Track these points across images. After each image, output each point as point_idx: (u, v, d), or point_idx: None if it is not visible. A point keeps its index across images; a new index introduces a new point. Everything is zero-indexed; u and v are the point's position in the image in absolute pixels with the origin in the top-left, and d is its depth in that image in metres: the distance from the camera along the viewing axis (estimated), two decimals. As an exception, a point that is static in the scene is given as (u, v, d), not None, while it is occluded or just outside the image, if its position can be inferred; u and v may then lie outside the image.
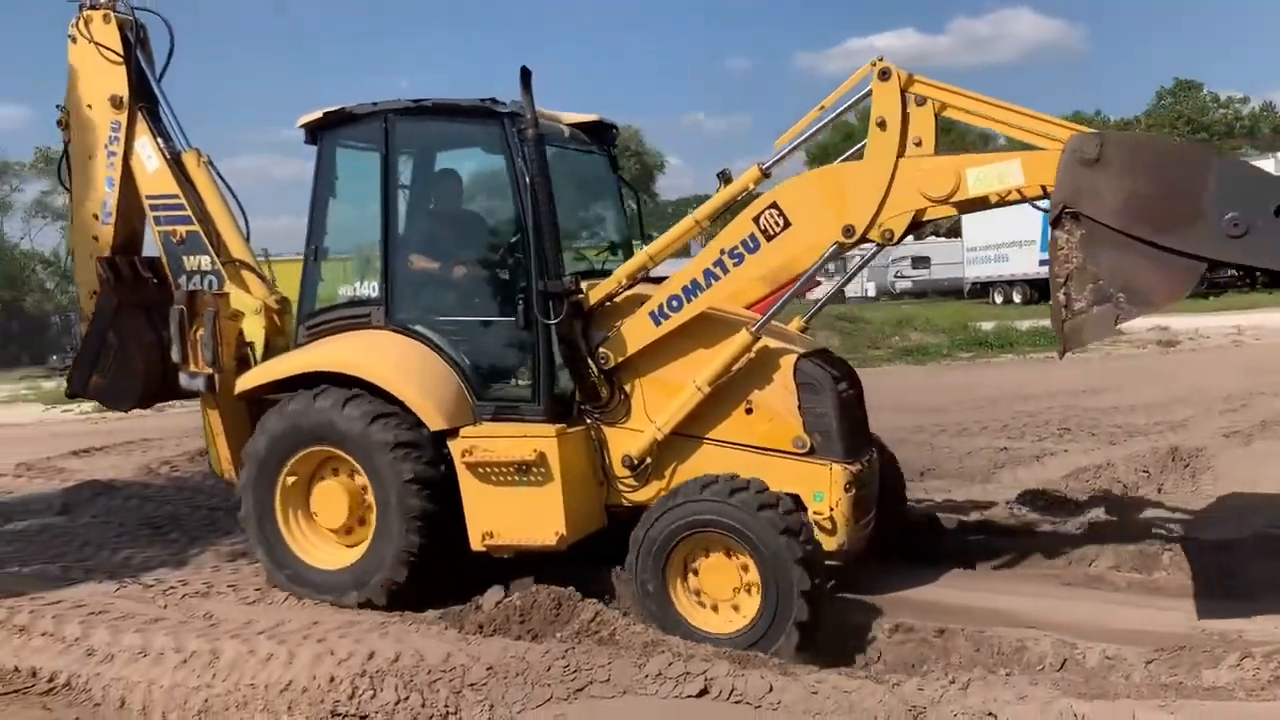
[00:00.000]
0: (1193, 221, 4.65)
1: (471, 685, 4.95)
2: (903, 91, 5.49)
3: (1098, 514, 7.72)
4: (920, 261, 50.07)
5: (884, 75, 5.48)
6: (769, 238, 5.70)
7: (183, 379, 7.12)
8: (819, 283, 7.60)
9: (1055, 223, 4.94)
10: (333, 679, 5.15)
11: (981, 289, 43.51)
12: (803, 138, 5.96)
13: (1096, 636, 5.37)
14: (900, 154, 5.48)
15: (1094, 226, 4.83)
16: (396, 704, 4.88)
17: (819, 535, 5.66)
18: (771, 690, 4.64)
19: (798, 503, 5.70)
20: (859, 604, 6.12)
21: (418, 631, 5.75)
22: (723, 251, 5.83)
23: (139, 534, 8.61)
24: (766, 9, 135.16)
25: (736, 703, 4.65)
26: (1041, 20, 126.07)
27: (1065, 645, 5.22)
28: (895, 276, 50.68)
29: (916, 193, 5.46)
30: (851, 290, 49.48)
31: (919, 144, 5.49)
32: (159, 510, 9.61)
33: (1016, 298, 40.24)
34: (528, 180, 6.05)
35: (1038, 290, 38.64)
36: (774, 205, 5.69)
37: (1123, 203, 4.78)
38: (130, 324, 7.67)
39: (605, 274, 6.51)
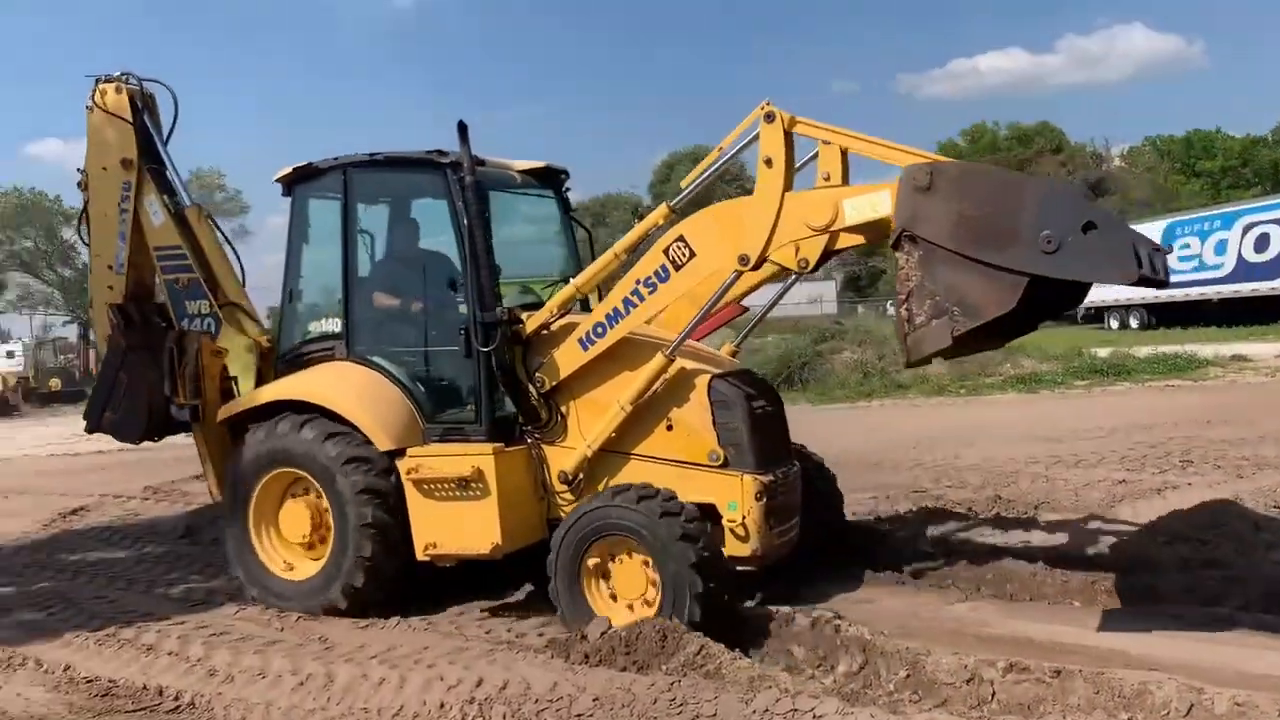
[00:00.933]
0: (1013, 240, 5.01)
1: (578, 716, 4.98)
2: (787, 132, 5.97)
3: (1224, 551, 7.37)
4: (1031, 286, 48.61)
5: (769, 118, 5.97)
6: (677, 267, 6.22)
7: (173, 410, 7.98)
8: (746, 308, 8.08)
9: (895, 245, 5.33)
10: (443, 705, 5.25)
11: (1095, 314, 42.05)
12: (704, 178, 6.45)
13: (1225, 681, 5.11)
14: (787, 188, 5.95)
15: (929, 247, 5.22)
16: (505, 731, 4.93)
17: (733, 541, 6.22)
18: (884, 729, 4.56)
19: (713, 512, 6.22)
20: (973, 641, 5.97)
21: (525, 660, 5.81)
22: (638, 281, 6.35)
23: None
24: (868, 32, 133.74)
25: (846, 741, 4.58)
26: (1154, 36, 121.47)
27: (1191, 690, 4.98)
28: (1004, 302, 49.21)
29: (801, 223, 5.87)
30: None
31: (828, 178, 6.00)
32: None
33: (1134, 322, 38.88)
34: (465, 222, 6.68)
35: (1155, 315, 37.32)
36: (680, 238, 6.21)
37: (952, 225, 5.15)
38: (138, 364, 8.36)
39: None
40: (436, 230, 7.41)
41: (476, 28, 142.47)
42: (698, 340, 7.06)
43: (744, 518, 6.25)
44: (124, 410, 8.48)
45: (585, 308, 7.35)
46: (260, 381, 7.79)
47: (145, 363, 8.30)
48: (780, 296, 7.97)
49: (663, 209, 6.44)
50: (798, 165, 6.16)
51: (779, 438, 6.81)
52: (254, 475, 7.22)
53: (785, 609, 6.10)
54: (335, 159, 7.36)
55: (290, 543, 7.25)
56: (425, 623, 6.70)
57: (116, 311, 8.47)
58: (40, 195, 57.11)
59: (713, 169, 6.42)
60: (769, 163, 5.96)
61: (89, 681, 5.92)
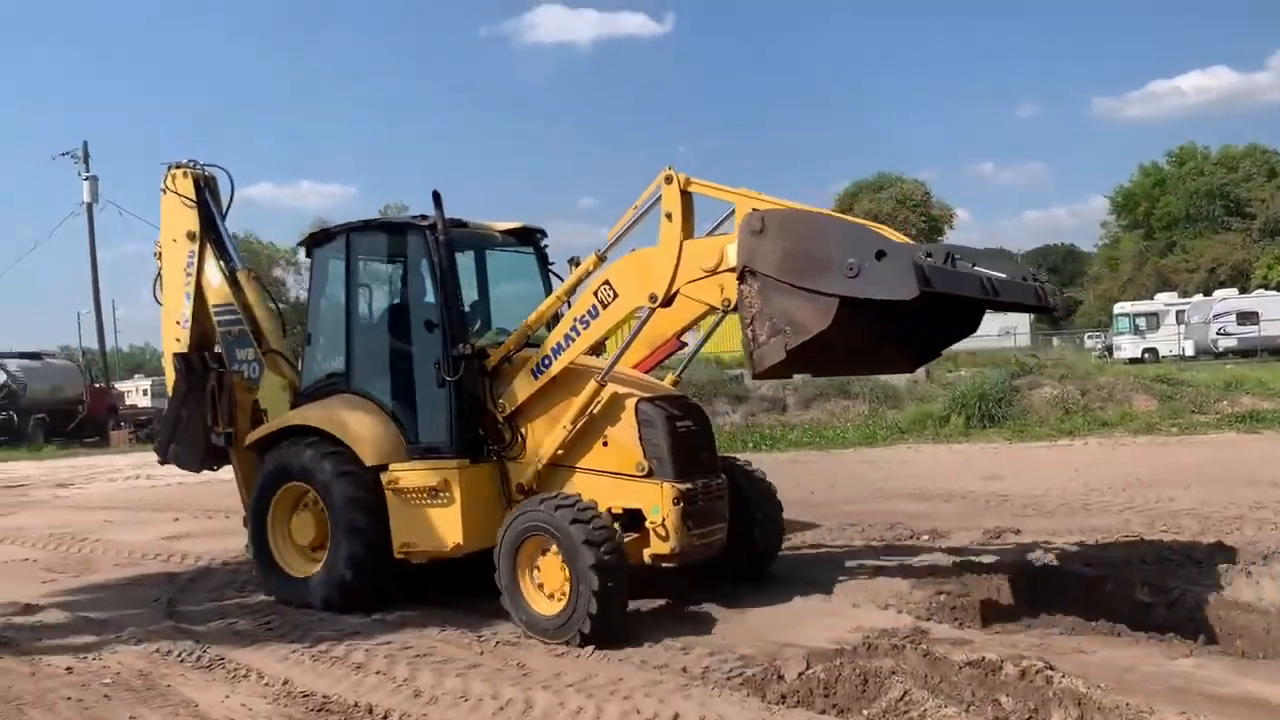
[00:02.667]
0: (826, 269, 6.02)
1: (780, 757, 4.89)
2: (684, 191, 7.07)
3: None
4: (1247, 317, 45.48)
5: (669, 180, 7.10)
6: (604, 306, 7.33)
7: (213, 438, 9.39)
8: (684, 344, 9.00)
9: (740, 279, 6.44)
10: (639, 737, 5.24)
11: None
12: (624, 230, 7.46)
13: None
14: (686, 237, 7.03)
15: (765, 279, 6.31)
16: (703, 770, 4.88)
17: (656, 541, 7.30)
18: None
19: (640, 515, 7.34)
20: (1200, 700, 5.52)
21: (720, 696, 5.76)
22: (575, 320, 7.51)
23: (462, 582, 9.11)
24: (1060, 54, 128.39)
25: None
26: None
27: None
28: (1218, 334, 46.19)
29: (696, 266, 6.91)
30: (1166, 348, 45.71)
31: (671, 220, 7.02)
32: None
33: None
34: (438, 274, 7.99)
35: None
36: (606, 281, 7.34)
37: (779, 260, 6.24)
38: (196, 404, 9.53)
39: (535, 345, 8.09)
40: (418, 282, 8.55)
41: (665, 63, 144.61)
42: (645, 371, 8.60)
43: (664, 520, 7.25)
44: (186, 443, 9.67)
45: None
46: None
47: (202, 402, 9.48)
48: (709, 334, 9.07)
49: (593, 257, 7.64)
50: (720, 222, 7.23)
51: (701, 452, 7.74)
52: (270, 489, 8.61)
53: (992, 657, 5.83)
54: (341, 225, 8.84)
55: (300, 546, 8.60)
56: (620, 654, 6.72)
57: (180, 359, 9.69)
58: (253, 237, 60.79)
59: (630, 222, 7.42)
60: (669, 216, 7.07)
61: (305, 696, 6.20)
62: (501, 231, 9.21)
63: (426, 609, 8.07)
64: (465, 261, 9.03)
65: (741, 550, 8.18)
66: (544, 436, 7.79)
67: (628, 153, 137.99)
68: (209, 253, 9.75)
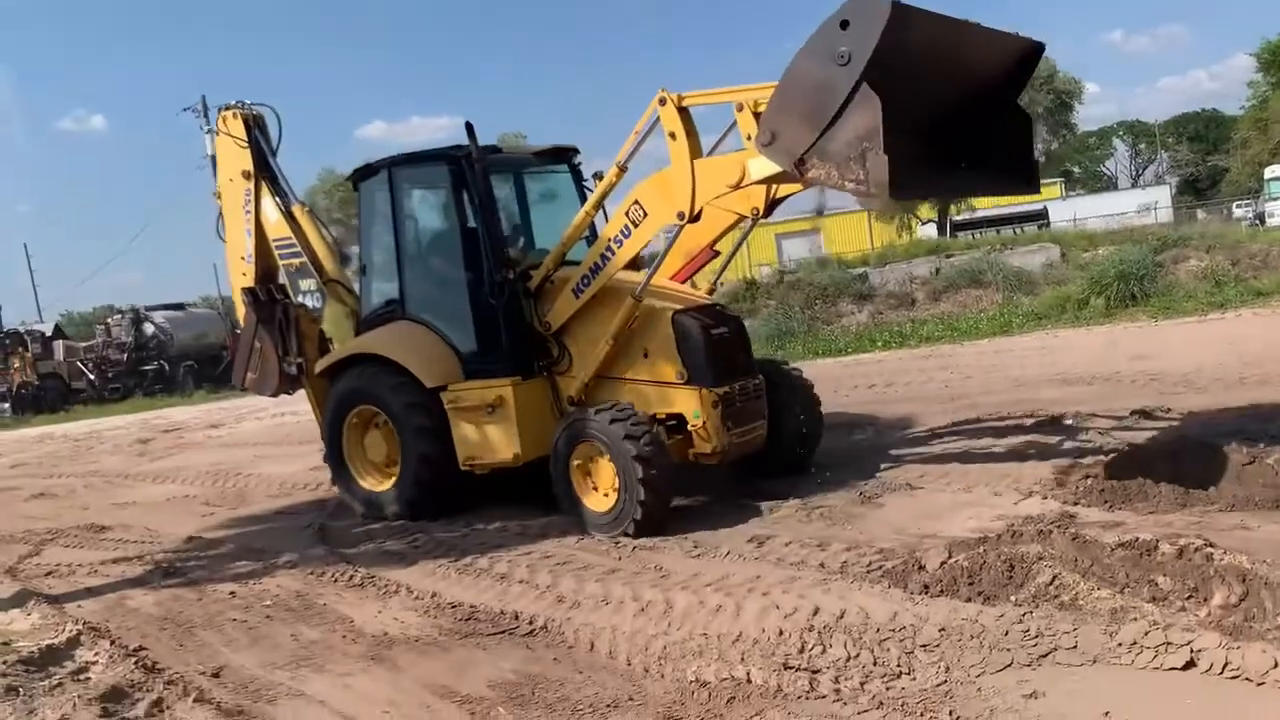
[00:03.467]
0: (829, 86, 5.83)
1: (924, 646, 4.80)
2: (679, 108, 7.22)
3: None
4: None
5: (662, 102, 7.25)
6: (636, 225, 7.61)
7: (285, 367, 9.90)
8: (718, 252, 9.41)
9: (803, 172, 6.19)
10: (781, 632, 5.22)
11: None
12: (631, 151, 7.64)
13: None
14: (695, 154, 7.21)
15: (812, 148, 6.03)
16: (847, 660, 4.82)
17: (699, 441, 7.87)
18: (1277, 665, 4.05)
19: (683, 420, 7.87)
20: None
21: (860, 589, 5.68)
22: (610, 239, 7.81)
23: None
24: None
25: (1232, 678, 4.12)
26: None
27: None
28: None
29: (720, 183, 7.10)
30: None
31: (750, 138, 6.77)
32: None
33: None
34: (477, 201, 8.42)
35: None
36: (636, 201, 7.58)
37: (801, 127, 6.09)
38: (268, 334, 10.00)
39: (575, 263, 8.36)
40: (460, 210, 8.83)
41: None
42: (681, 281, 9.08)
43: (705, 423, 7.78)
44: (261, 371, 10.15)
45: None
46: None
47: (273, 333, 9.98)
48: (741, 242, 9.54)
49: (614, 169, 7.83)
50: (725, 132, 7.41)
51: (737, 356, 8.21)
52: (343, 412, 9.23)
53: (1147, 537, 5.57)
54: (383, 159, 9.20)
55: (374, 462, 9.19)
56: (756, 553, 6.70)
57: (248, 294, 10.15)
58: None
59: (635, 146, 7.63)
60: (673, 136, 7.24)
61: (453, 607, 6.40)
62: (535, 154, 9.73)
63: (559, 521, 8.14)
64: (504, 185, 9.43)
65: (782, 443, 8.65)
66: (588, 351, 8.22)
67: (733, 47, 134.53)
68: (264, 190, 10.12)
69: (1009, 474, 8.04)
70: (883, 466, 8.78)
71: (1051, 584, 5.18)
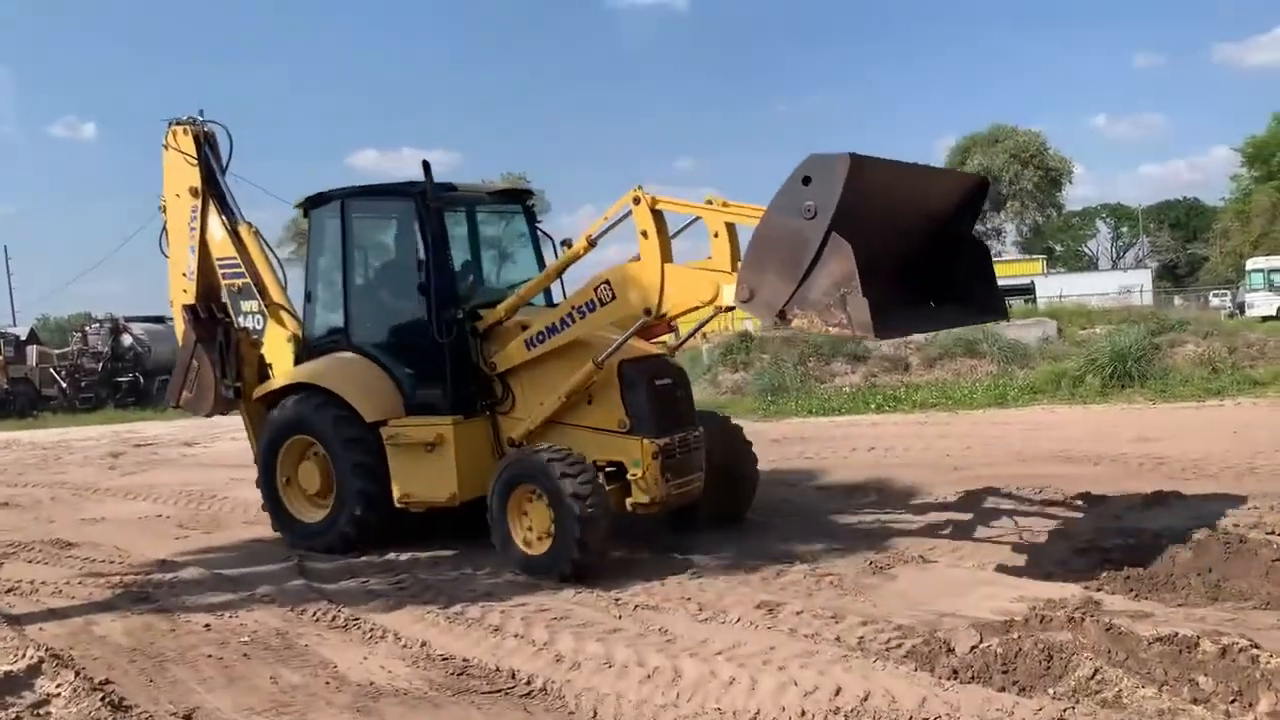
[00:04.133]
0: (799, 238, 6.03)
1: (962, 740, 4.47)
2: (651, 210, 7.46)
3: None
4: None
5: (636, 201, 7.50)
6: (603, 304, 7.76)
7: (221, 390, 9.70)
8: (674, 327, 9.78)
9: (785, 321, 6.29)
10: (803, 713, 4.88)
11: None
12: (603, 230, 7.88)
13: None
14: (665, 256, 7.48)
15: (793, 298, 6.13)
16: (877, 751, 4.49)
17: (637, 491, 7.77)
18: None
19: (622, 468, 7.83)
20: None
21: (883, 669, 5.35)
22: (574, 308, 7.95)
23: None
24: (1173, 2, 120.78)
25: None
26: None
27: None
28: None
29: (692, 297, 7.42)
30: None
31: (717, 235, 7.34)
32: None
33: None
34: (429, 238, 8.42)
35: None
36: (607, 282, 7.72)
37: (778, 279, 6.20)
38: (206, 353, 9.81)
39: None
40: (410, 246, 8.88)
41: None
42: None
43: (644, 473, 7.72)
44: (198, 390, 9.94)
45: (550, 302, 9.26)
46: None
47: (211, 352, 9.82)
48: (706, 321, 9.64)
49: (583, 241, 8.03)
50: (684, 226, 7.86)
51: (679, 408, 8.25)
52: (279, 440, 9.09)
53: (1186, 633, 5.28)
54: (338, 189, 9.23)
55: (308, 492, 9.05)
56: (768, 621, 6.35)
57: (188, 310, 9.98)
58: None
59: (602, 231, 7.91)
60: (644, 234, 7.47)
61: (444, 659, 6.01)
62: (490, 193, 10.01)
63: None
64: (457, 223, 9.50)
65: (720, 495, 8.74)
66: (534, 396, 8.33)
67: (726, 109, 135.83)
68: (211, 208, 10.04)
69: (1024, 552, 7.79)
70: (891, 535, 8.49)
71: (1093, 678, 4.87)
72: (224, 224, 10.02)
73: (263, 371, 9.81)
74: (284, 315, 9.80)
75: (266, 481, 9.24)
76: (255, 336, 9.94)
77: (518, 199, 10.10)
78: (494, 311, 8.51)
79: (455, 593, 7.41)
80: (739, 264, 6.64)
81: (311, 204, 9.51)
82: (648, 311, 7.51)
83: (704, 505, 8.56)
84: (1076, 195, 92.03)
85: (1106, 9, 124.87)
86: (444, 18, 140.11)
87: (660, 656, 5.79)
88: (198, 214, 10.03)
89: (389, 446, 8.55)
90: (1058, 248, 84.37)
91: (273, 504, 9.27)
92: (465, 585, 7.63)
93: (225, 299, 10.11)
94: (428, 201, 8.42)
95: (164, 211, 10.41)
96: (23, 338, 39.65)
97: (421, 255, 8.55)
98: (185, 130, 10.14)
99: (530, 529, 7.74)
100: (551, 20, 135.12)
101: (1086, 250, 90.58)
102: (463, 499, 8.37)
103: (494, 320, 8.48)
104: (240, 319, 10.03)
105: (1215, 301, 53.76)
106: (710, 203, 7.70)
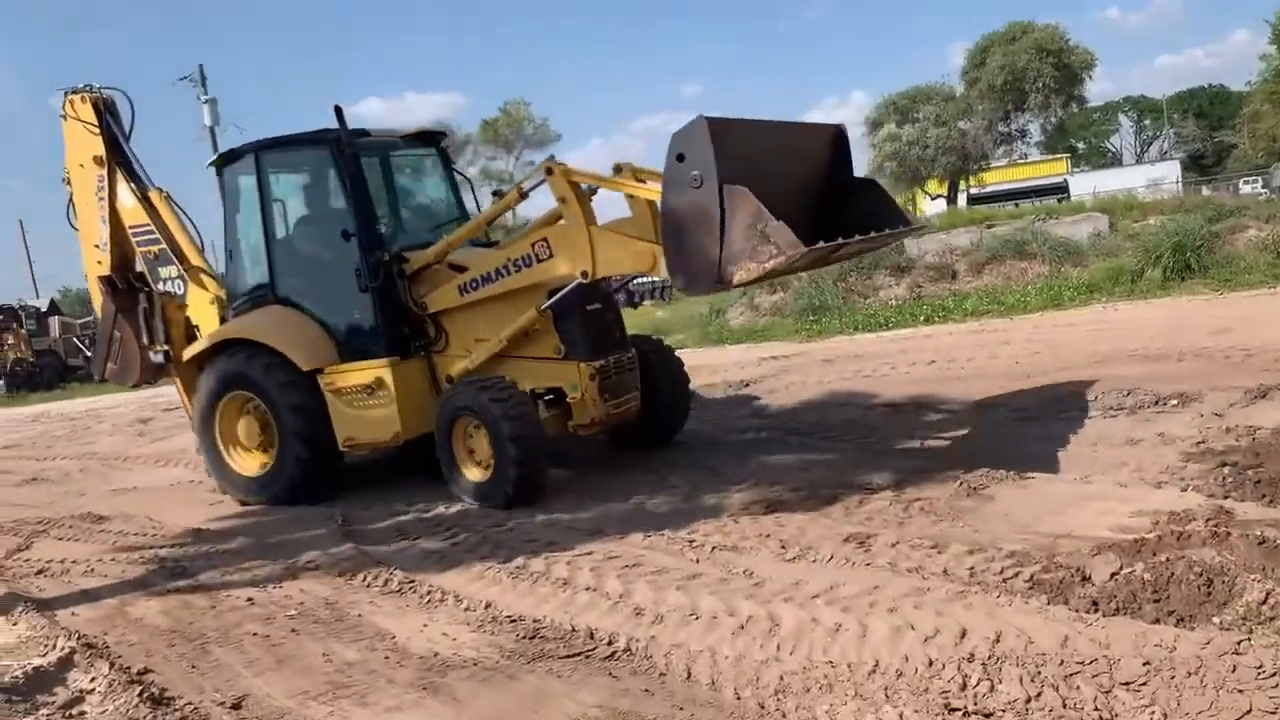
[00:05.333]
0: (703, 210, 6.30)
1: (1126, 684, 3.84)
2: (568, 181, 7.61)
3: None
4: None
5: (549, 171, 7.69)
6: (539, 260, 7.93)
7: (150, 356, 9.81)
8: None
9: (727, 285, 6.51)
10: (931, 662, 4.26)
11: None
12: (536, 183, 7.91)
13: None
14: (589, 219, 7.68)
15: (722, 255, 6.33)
16: (1027, 702, 3.86)
17: (577, 413, 8.18)
18: None
19: (559, 394, 8.22)
20: None
21: (1010, 605, 4.73)
22: (509, 260, 8.11)
23: (642, 481, 8.25)
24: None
25: None
26: None
27: None
28: None
29: (630, 263, 7.68)
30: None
31: (632, 197, 7.68)
32: (664, 457, 9.12)
33: None
34: (348, 184, 8.44)
35: None
36: (544, 239, 7.89)
37: (694, 242, 6.45)
38: (128, 323, 9.89)
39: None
40: (329, 193, 8.95)
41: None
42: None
43: (583, 395, 8.08)
44: (122, 361, 10.04)
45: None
46: None
47: (135, 321, 9.87)
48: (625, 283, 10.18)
49: (515, 192, 8.16)
50: (591, 193, 7.80)
51: (611, 331, 8.54)
52: (215, 399, 9.09)
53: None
54: (249, 144, 9.07)
55: (248, 448, 9.09)
56: (864, 555, 5.73)
57: (105, 282, 9.97)
58: None
59: (515, 202, 8.25)
60: (564, 200, 7.67)
61: (513, 621, 5.43)
62: (403, 137, 9.74)
63: (608, 503, 7.25)
64: (373, 169, 9.29)
65: (656, 413, 9.07)
66: (467, 334, 8.47)
67: (735, 27, 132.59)
68: (119, 176, 9.90)
69: (1126, 460, 7.09)
70: (974, 452, 7.81)
71: (1265, 603, 4.22)
72: (133, 191, 9.89)
73: (190, 334, 9.79)
74: (205, 278, 9.78)
75: (207, 441, 9.23)
76: (180, 300, 9.86)
77: (431, 141, 10.08)
78: (422, 255, 8.53)
79: (514, 545, 6.84)
80: (661, 252, 6.82)
81: (224, 161, 9.42)
82: (585, 275, 7.61)
83: (640, 424, 8.94)
84: (1095, 91, 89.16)
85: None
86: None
87: (751, 604, 5.19)
88: (104, 183, 9.89)
89: (328, 393, 8.60)
90: (1080, 145, 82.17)
91: (216, 463, 9.26)
92: (523, 536, 7.05)
93: (142, 267, 10.01)
94: (343, 147, 8.42)
95: (68, 183, 10.22)
96: (44, 310, 39.40)
97: (341, 202, 8.60)
98: (83, 99, 9.95)
99: (473, 454, 7.97)
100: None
101: (1110, 146, 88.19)
102: (407, 437, 8.52)
103: (423, 263, 8.50)
104: (160, 285, 9.92)
105: (1246, 189, 52.04)
106: (619, 170, 7.88)
